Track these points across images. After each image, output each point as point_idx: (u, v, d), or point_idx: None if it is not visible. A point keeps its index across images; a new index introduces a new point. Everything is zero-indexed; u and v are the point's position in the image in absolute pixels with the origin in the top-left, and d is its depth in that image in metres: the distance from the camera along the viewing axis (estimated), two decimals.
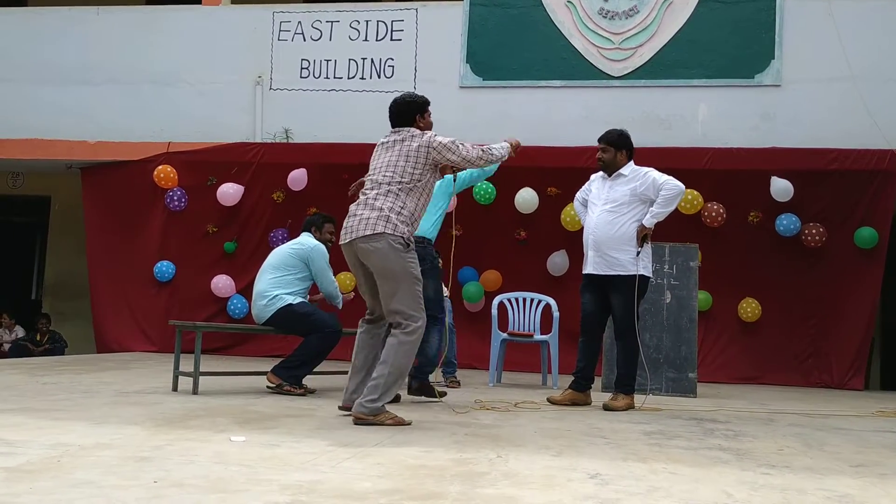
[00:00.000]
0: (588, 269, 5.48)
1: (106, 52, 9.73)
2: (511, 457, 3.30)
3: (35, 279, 12.48)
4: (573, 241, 8.50)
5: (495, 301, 7.41)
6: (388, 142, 4.43)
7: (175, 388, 5.28)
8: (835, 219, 8.17)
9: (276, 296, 5.51)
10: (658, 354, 6.68)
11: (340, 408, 4.36)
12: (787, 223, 8.12)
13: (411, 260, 4.20)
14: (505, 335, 7.11)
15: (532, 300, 7.45)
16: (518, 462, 3.19)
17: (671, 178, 5.37)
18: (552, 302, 7.29)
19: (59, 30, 9.90)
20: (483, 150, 4.49)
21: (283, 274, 5.59)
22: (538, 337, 7.16)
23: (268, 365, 5.64)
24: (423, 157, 4.30)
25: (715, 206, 8.21)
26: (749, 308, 8.19)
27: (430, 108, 4.59)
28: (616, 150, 5.49)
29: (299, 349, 5.47)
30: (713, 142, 8.49)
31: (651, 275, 5.56)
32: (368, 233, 4.16)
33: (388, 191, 4.23)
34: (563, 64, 8.94)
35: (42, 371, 6.33)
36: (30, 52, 9.84)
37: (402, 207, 4.22)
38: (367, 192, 4.33)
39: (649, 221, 5.34)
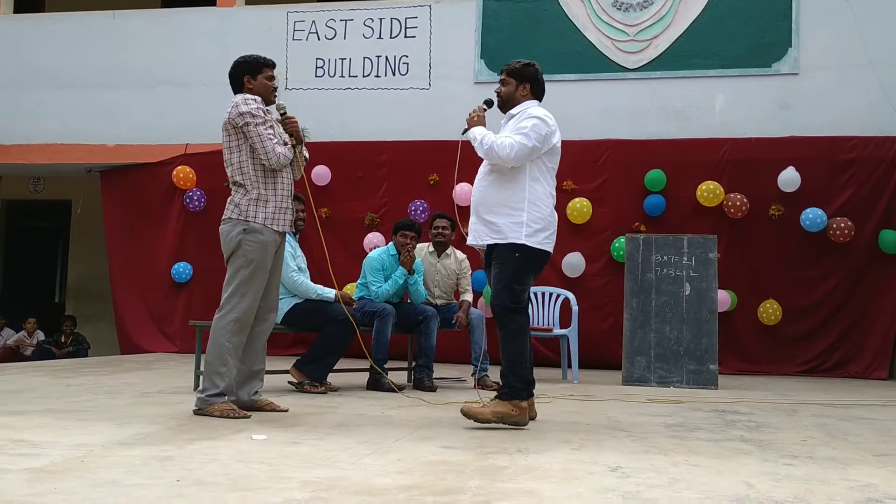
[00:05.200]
0: (469, 238, 4.30)
1: (123, 56, 9.79)
2: (531, 451, 3.30)
3: (58, 283, 12.61)
4: (584, 237, 8.46)
5: None
6: None
7: (197, 388, 5.31)
8: (859, 211, 8.02)
9: (280, 298, 5.48)
10: (678, 346, 6.66)
11: None
12: (812, 217, 7.93)
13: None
14: None
15: (551, 294, 7.43)
16: (538, 456, 3.19)
17: (523, 142, 4.04)
18: (571, 296, 7.27)
19: (76, 34, 9.98)
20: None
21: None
22: (557, 331, 7.13)
23: (288, 363, 5.67)
24: None
25: (739, 197, 8.05)
26: (771, 308, 8.04)
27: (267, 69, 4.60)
28: (518, 82, 4.28)
29: (317, 342, 5.48)
30: (731, 132, 8.40)
31: (540, 246, 4.11)
32: None
33: None
34: (578, 57, 8.89)
35: (66, 373, 6.39)
36: (47, 57, 9.92)
37: None
38: None
39: (480, 130, 4.23)
